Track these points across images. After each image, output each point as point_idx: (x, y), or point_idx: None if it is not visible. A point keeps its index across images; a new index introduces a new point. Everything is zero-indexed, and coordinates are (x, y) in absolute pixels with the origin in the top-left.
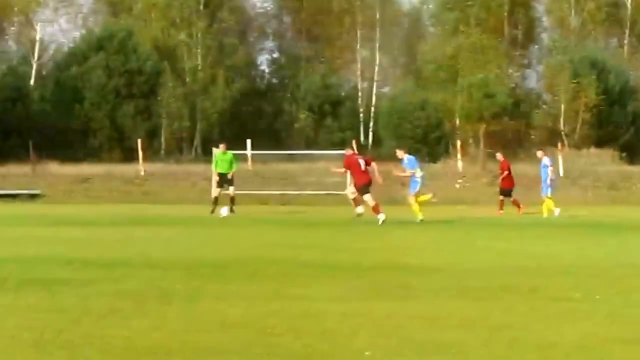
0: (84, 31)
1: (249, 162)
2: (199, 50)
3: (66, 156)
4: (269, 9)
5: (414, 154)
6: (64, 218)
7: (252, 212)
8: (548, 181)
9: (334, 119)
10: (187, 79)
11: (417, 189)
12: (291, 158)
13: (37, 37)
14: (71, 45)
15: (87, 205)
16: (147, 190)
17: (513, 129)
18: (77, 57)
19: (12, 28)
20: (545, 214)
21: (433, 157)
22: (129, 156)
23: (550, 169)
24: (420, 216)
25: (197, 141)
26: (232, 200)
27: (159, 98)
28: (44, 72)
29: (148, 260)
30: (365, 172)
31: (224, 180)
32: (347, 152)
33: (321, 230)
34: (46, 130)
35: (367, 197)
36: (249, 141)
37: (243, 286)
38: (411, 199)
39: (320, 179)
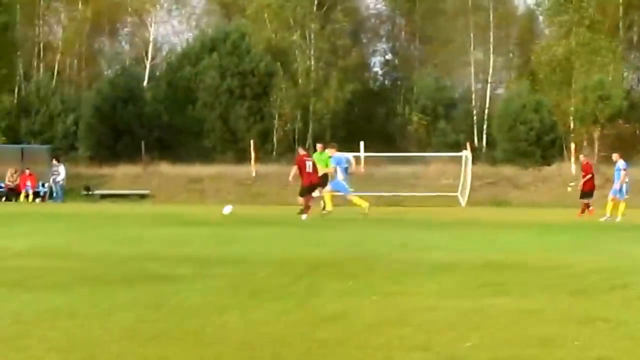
0: (197, 32)
1: (362, 164)
2: (312, 52)
3: (178, 157)
4: (382, 10)
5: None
6: (173, 217)
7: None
8: (618, 185)
9: (447, 121)
10: (300, 81)
11: (332, 188)
12: (404, 160)
13: (151, 38)
14: (184, 46)
15: (197, 206)
16: (257, 192)
17: (628, 132)
18: (190, 58)
19: (126, 29)
20: (608, 215)
21: (546, 160)
22: (242, 157)
23: (623, 172)
24: (329, 208)
25: (309, 143)
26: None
27: (271, 99)
28: (157, 73)
29: (264, 258)
30: (311, 173)
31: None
32: (299, 152)
33: (418, 230)
34: (158, 131)
35: (301, 199)
36: (361, 143)
37: (355, 282)
38: (327, 194)
39: (432, 181)
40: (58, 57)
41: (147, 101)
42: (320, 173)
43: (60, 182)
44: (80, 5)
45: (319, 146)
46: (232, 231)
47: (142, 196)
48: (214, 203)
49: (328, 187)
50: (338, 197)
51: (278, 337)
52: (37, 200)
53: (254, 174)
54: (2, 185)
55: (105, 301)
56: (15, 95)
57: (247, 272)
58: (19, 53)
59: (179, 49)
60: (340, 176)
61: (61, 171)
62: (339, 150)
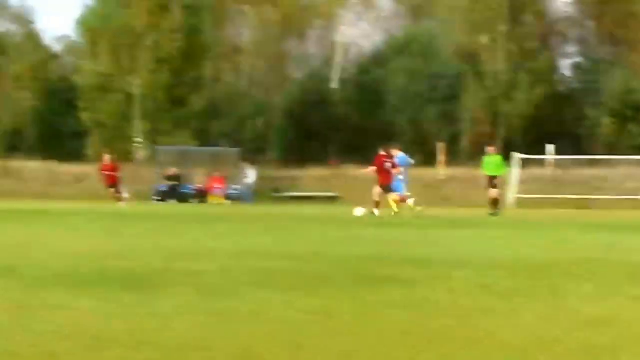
0: (386, 35)
1: (550, 167)
2: (501, 54)
3: (366, 159)
4: (571, 13)
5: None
6: (357, 218)
7: (546, 215)
8: None
9: (636, 124)
10: (489, 83)
11: (402, 190)
12: (592, 163)
13: (339, 41)
14: (373, 48)
15: (384, 208)
16: (445, 194)
17: None
18: (379, 60)
19: (314, 31)
20: None
21: None
22: (431, 160)
23: None
24: (395, 210)
25: (498, 145)
26: (496, 202)
27: (461, 102)
28: (345, 76)
29: (484, 260)
30: (388, 175)
31: (491, 183)
32: (380, 153)
33: (621, 233)
34: (347, 134)
35: (391, 196)
36: (550, 146)
37: (596, 284)
38: (394, 197)
39: (619, 184)
40: (247, 59)
41: (336, 104)
42: (496, 176)
43: (250, 184)
44: (268, 8)
45: (489, 149)
46: (430, 232)
47: (331, 198)
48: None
49: (396, 191)
50: None
51: (549, 340)
52: (227, 202)
53: (442, 177)
54: (192, 187)
55: (356, 302)
56: (205, 98)
57: (479, 273)
58: (208, 56)
59: (367, 51)
60: (401, 176)
61: (251, 174)
62: (531, 153)
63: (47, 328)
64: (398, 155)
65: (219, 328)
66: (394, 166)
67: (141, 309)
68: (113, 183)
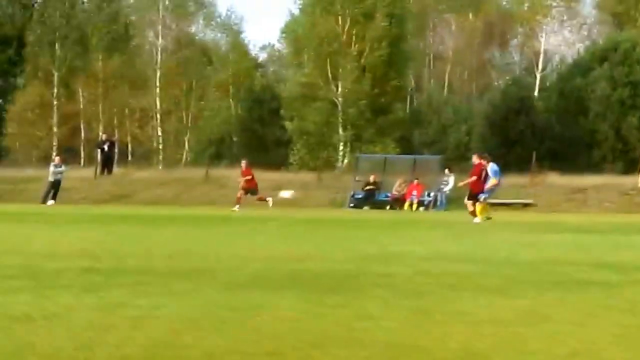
0: (588, 42)
1: None
2: None
3: (566, 167)
4: None
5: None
6: (558, 225)
7: None
8: None
9: None
10: None
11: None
12: None
13: (542, 48)
14: (575, 56)
15: (578, 215)
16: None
17: None
18: (581, 68)
19: (516, 39)
20: None
21: None
22: (632, 168)
23: None
24: (482, 218)
25: None
26: None
27: None
28: (547, 83)
29: None
30: (483, 182)
31: None
32: (475, 161)
33: None
34: (549, 141)
35: (469, 202)
36: None
37: None
38: (480, 203)
39: None
40: (448, 67)
41: (539, 111)
42: None
43: (447, 192)
44: (470, 16)
45: None
46: (611, 237)
47: (525, 205)
48: (594, 212)
49: (483, 196)
50: None
51: None
52: (421, 209)
53: None
54: (389, 194)
55: (564, 303)
56: (408, 106)
57: None
58: (410, 64)
59: (569, 59)
60: (490, 184)
61: (450, 181)
62: None
63: (263, 328)
64: (491, 165)
65: (428, 327)
66: (486, 174)
67: (345, 309)
68: (252, 188)
